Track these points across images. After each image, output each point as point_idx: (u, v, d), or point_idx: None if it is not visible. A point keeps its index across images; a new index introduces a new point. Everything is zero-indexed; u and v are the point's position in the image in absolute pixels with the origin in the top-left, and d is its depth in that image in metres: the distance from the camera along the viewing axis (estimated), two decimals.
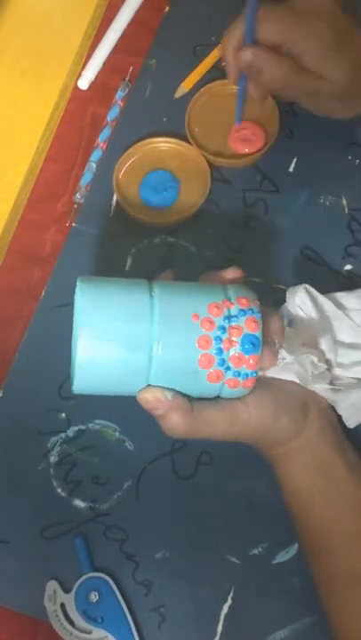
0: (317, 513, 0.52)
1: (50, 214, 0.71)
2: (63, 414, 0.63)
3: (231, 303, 0.49)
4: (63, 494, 0.61)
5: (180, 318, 0.48)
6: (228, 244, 0.68)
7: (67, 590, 0.57)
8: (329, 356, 0.54)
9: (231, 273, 0.53)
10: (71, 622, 0.56)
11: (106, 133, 0.73)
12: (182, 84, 0.75)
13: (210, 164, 0.70)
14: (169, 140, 0.71)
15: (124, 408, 0.61)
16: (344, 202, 0.69)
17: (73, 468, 0.61)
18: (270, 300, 0.54)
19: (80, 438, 0.62)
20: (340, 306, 0.56)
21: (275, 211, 0.69)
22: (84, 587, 0.57)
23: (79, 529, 0.59)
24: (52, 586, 0.57)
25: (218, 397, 0.50)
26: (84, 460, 0.61)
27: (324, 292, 0.57)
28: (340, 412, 0.55)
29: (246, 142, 0.70)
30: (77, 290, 0.49)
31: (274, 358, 0.51)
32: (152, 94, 0.76)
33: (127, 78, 0.76)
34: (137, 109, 0.75)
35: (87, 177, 0.71)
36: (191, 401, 0.49)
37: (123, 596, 0.57)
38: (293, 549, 0.57)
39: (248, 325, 0.48)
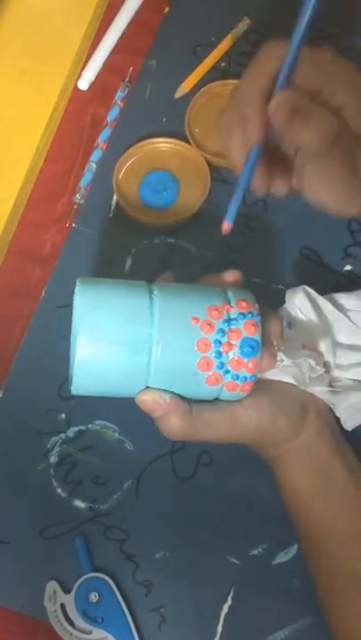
0: (317, 514, 0.52)
1: (50, 214, 0.71)
2: (63, 414, 0.63)
3: (231, 306, 0.49)
4: (63, 494, 0.61)
5: (180, 321, 0.48)
6: (228, 244, 0.68)
7: (67, 590, 0.57)
8: (328, 357, 0.54)
9: (231, 275, 0.53)
10: (71, 622, 0.56)
11: (106, 133, 0.73)
12: (182, 85, 0.75)
13: (210, 165, 0.70)
14: (169, 140, 0.71)
15: (123, 409, 0.61)
16: None
17: (73, 468, 0.61)
18: (270, 300, 0.54)
19: (80, 439, 0.62)
20: (339, 307, 0.56)
21: (275, 211, 0.69)
22: (84, 587, 0.57)
23: (79, 529, 0.59)
24: (52, 586, 0.57)
25: (216, 400, 0.50)
26: (84, 460, 0.61)
27: (323, 292, 0.57)
28: (338, 413, 0.55)
29: None
30: (77, 291, 0.49)
31: (273, 360, 0.51)
32: (152, 94, 0.76)
33: (127, 78, 0.76)
34: (137, 110, 0.75)
35: (87, 177, 0.71)
36: (190, 403, 0.49)
37: (123, 596, 0.57)
38: (293, 550, 0.58)
39: (247, 329, 0.48)
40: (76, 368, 0.47)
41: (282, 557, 0.58)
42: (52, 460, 0.62)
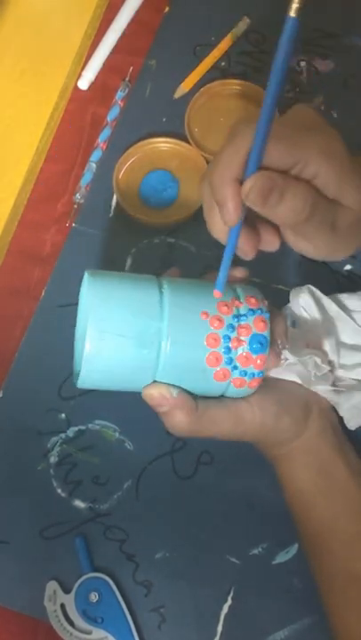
0: (318, 513, 0.52)
1: (50, 214, 0.71)
2: (63, 414, 0.63)
3: (240, 302, 0.49)
4: (63, 494, 0.61)
5: (190, 315, 0.47)
6: None
7: (67, 590, 0.57)
8: (332, 357, 0.54)
9: (239, 272, 0.53)
10: (71, 622, 0.56)
11: (106, 133, 0.73)
12: (182, 85, 0.75)
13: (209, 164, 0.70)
14: (169, 140, 0.71)
15: (124, 408, 0.61)
16: None
17: (73, 468, 0.61)
18: (271, 300, 0.54)
19: (80, 438, 0.62)
20: (343, 307, 0.56)
21: None
22: (84, 587, 0.57)
23: (79, 529, 0.59)
24: (52, 586, 0.57)
25: (222, 396, 0.50)
26: (84, 460, 0.61)
27: (323, 292, 0.57)
28: (341, 413, 0.55)
29: None
30: (85, 283, 0.49)
31: (277, 359, 0.52)
32: (152, 94, 0.76)
33: (127, 78, 0.76)
34: (137, 109, 0.75)
35: (87, 177, 0.71)
36: (196, 399, 0.49)
37: (123, 596, 0.57)
38: (293, 549, 0.58)
39: (257, 325, 0.48)
40: (84, 361, 0.46)
41: (282, 557, 0.58)
42: (52, 460, 0.62)
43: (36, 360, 0.65)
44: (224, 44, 0.76)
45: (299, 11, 0.37)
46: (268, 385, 0.52)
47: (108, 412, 0.62)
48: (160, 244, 0.69)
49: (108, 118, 0.74)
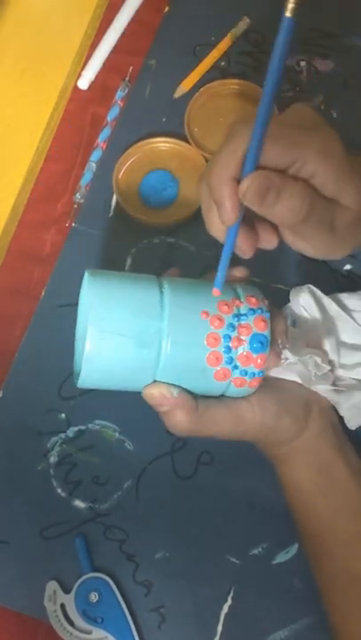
0: (318, 512, 0.52)
1: (50, 214, 0.71)
2: (63, 414, 0.63)
3: (241, 302, 0.49)
4: (63, 494, 0.61)
5: (190, 315, 0.47)
6: None
7: (67, 590, 0.57)
8: (332, 356, 0.54)
9: (239, 271, 0.52)
10: (71, 622, 0.56)
11: (106, 133, 0.73)
12: (182, 84, 0.75)
13: None
14: (168, 139, 0.71)
15: (124, 408, 0.61)
16: None
17: (73, 468, 0.61)
18: (270, 300, 0.54)
19: (80, 438, 0.62)
20: (343, 307, 0.56)
21: None
22: (84, 587, 0.57)
23: (79, 529, 0.59)
24: (52, 586, 0.57)
25: (222, 396, 0.50)
26: (84, 460, 0.61)
27: (323, 291, 0.57)
28: (342, 413, 0.55)
29: None
30: (85, 283, 0.49)
31: (277, 358, 0.51)
32: (152, 94, 0.76)
33: (127, 78, 0.76)
34: (137, 109, 0.75)
35: (87, 177, 0.72)
36: (196, 399, 0.49)
37: (123, 596, 0.57)
38: (293, 549, 0.57)
39: (257, 324, 0.48)
40: (85, 360, 0.46)
41: (282, 557, 0.58)
42: (52, 459, 0.62)
43: (36, 360, 0.65)
44: (224, 44, 0.76)
45: (294, 11, 0.36)
46: (268, 385, 0.52)
47: (108, 412, 0.62)
48: (160, 244, 0.69)
49: (108, 118, 0.74)
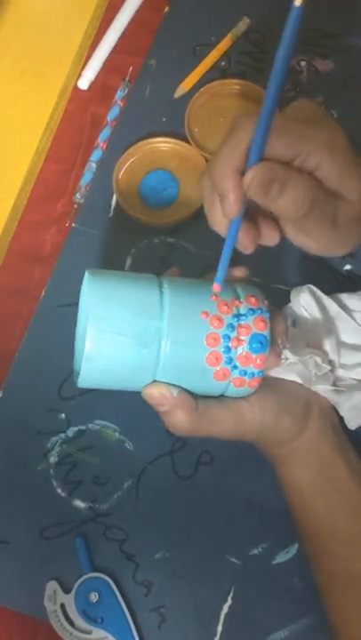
0: (318, 512, 0.52)
1: (50, 214, 0.71)
2: (63, 414, 0.63)
3: (240, 302, 0.49)
4: (63, 494, 0.61)
5: (190, 315, 0.47)
6: None
7: (67, 590, 0.57)
8: (332, 357, 0.54)
9: (239, 271, 0.52)
10: (71, 622, 0.56)
11: (106, 133, 0.73)
12: (182, 84, 0.75)
13: None
14: (168, 139, 0.71)
15: (124, 408, 0.61)
16: None
17: (73, 468, 0.61)
18: (271, 300, 0.54)
19: (80, 438, 0.62)
20: (343, 307, 0.56)
21: None
22: (84, 587, 0.57)
23: (79, 529, 0.59)
24: (52, 586, 0.57)
25: (222, 396, 0.50)
26: (84, 460, 0.61)
27: (323, 292, 0.57)
28: (342, 413, 0.55)
29: None
30: (85, 282, 0.49)
31: (277, 358, 0.51)
32: (152, 94, 0.76)
33: (127, 78, 0.76)
34: (137, 109, 0.75)
35: (87, 177, 0.72)
36: (196, 399, 0.49)
37: (123, 596, 0.57)
38: (293, 549, 0.57)
39: (257, 325, 0.48)
40: (85, 360, 0.46)
41: (282, 557, 0.58)
42: (52, 459, 0.62)
43: (36, 360, 0.65)
44: (224, 44, 0.76)
45: (305, 0, 0.37)
46: (268, 384, 0.52)
47: (108, 412, 0.62)
48: (160, 244, 0.69)
49: (108, 118, 0.74)
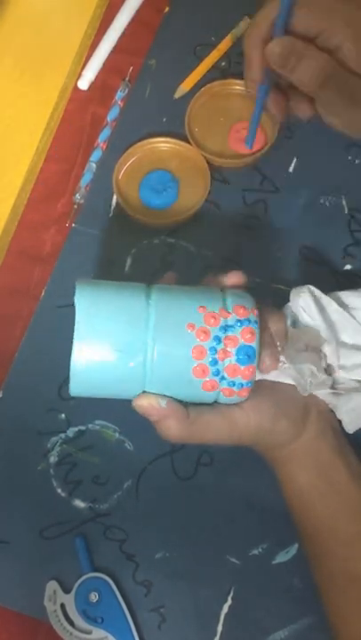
0: (318, 513, 0.52)
1: (50, 214, 0.71)
2: (63, 414, 0.63)
3: (228, 312, 0.48)
4: (63, 494, 0.61)
5: (176, 328, 0.47)
6: (228, 244, 0.68)
7: (67, 590, 0.57)
8: (331, 359, 0.54)
9: (233, 278, 0.52)
10: (71, 622, 0.56)
11: (106, 133, 0.73)
12: (182, 85, 0.75)
13: (209, 164, 0.70)
14: (169, 140, 0.71)
15: (123, 409, 0.61)
16: (344, 202, 0.69)
17: (73, 468, 0.61)
18: (270, 300, 0.54)
19: (80, 438, 0.62)
20: (343, 305, 0.56)
21: (275, 211, 0.69)
22: (84, 587, 0.57)
23: (79, 529, 0.59)
24: (52, 586, 0.57)
25: (215, 402, 0.50)
26: (84, 460, 0.61)
27: (324, 292, 0.57)
28: (340, 416, 0.54)
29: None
30: (75, 294, 0.49)
31: (275, 361, 0.51)
32: (152, 94, 0.76)
33: (127, 78, 0.76)
34: (137, 109, 0.75)
35: (87, 177, 0.71)
36: (188, 406, 0.49)
37: (123, 596, 0.57)
38: (293, 549, 0.58)
39: (244, 336, 0.48)
40: (72, 374, 0.47)
41: (282, 557, 0.58)
42: (52, 459, 0.62)
43: (36, 360, 0.65)
44: (224, 44, 0.76)
45: None
46: (264, 387, 0.52)
47: (108, 412, 0.62)
48: (160, 244, 0.69)
49: (108, 118, 0.74)
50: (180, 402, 0.49)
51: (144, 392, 0.48)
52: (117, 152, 0.71)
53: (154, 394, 0.48)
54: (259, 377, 0.51)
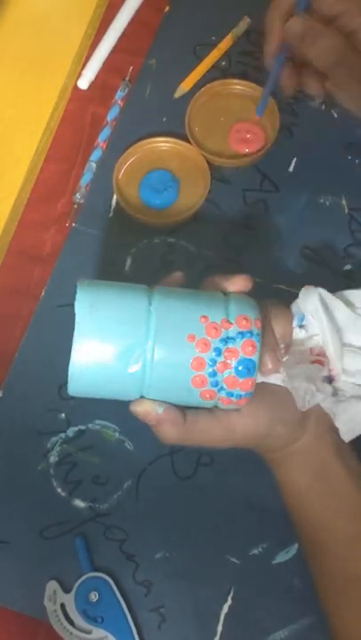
0: (317, 513, 0.52)
1: (50, 214, 0.71)
2: (63, 414, 0.63)
3: (230, 323, 0.47)
4: (63, 494, 0.61)
5: (176, 338, 0.47)
6: (228, 244, 0.68)
7: (67, 590, 0.57)
8: (335, 364, 0.53)
9: (238, 284, 0.51)
10: (71, 622, 0.56)
11: (106, 133, 0.73)
12: (182, 84, 0.75)
13: (210, 164, 0.70)
14: (169, 139, 0.71)
15: (124, 409, 0.61)
16: (344, 202, 0.69)
17: (73, 468, 0.61)
18: (272, 299, 0.53)
19: (80, 438, 0.62)
20: (350, 305, 0.55)
21: (275, 211, 0.69)
22: (84, 587, 0.57)
23: (79, 529, 0.59)
24: (52, 586, 0.57)
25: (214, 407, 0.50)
26: (84, 459, 0.61)
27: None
28: (337, 424, 0.53)
29: (246, 142, 0.70)
30: (76, 296, 0.48)
31: (277, 364, 0.50)
32: (152, 94, 0.76)
33: (127, 78, 0.76)
34: (137, 109, 0.75)
35: (87, 177, 0.71)
36: (184, 411, 0.49)
37: (123, 596, 0.57)
38: (293, 549, 0.58)
39: (245, 349, 0.47)
40: (70, 377, 0.47)
41: (282, 557, 0.58)
42: (52, 459, 0.62)
43: (36, 360, 0.65)
44: (224, 44, 0.76)
45: None
46: (263, 389, 0.51)
47: (108, 412, 0.62)
48: (160, 244, 0.69)
49: (108, 118, 0.74)
50: (178, 406, 0.49)
51: (141, 397, 0.48)
52: (117, 152, 0.71)
53: (151, 400, 0.48)
54: (260, 379, 0.51)
